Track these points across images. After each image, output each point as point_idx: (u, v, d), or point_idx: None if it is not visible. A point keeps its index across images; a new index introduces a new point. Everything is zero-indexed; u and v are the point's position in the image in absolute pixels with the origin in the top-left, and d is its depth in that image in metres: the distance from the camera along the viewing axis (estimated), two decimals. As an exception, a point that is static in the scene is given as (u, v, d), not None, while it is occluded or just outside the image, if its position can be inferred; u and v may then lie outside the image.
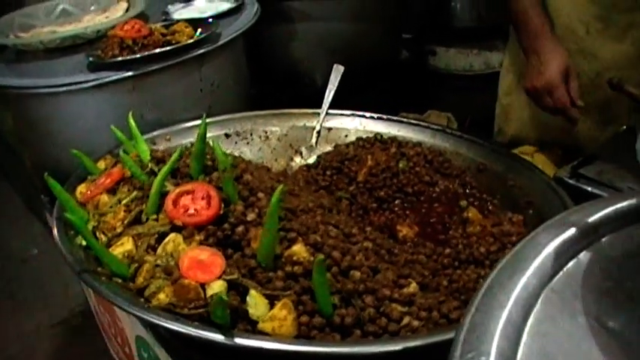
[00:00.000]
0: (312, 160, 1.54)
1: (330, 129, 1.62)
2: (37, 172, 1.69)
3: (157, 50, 1.56)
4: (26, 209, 2.95)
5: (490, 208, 1.34)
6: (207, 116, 1.56)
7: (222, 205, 1.06)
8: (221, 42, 1.64)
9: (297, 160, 1.59)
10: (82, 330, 2.51)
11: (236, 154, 1.53)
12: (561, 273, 0.71)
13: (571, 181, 1.27)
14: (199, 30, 1.70)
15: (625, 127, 1.44)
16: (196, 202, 1.06)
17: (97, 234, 1.11)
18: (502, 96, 1.95)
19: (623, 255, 0.74)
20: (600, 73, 1.64)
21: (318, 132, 1.61)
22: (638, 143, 0.81)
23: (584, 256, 0.73)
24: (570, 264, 0.72)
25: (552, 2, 1.65)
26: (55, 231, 1.13)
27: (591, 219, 0.76)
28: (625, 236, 0.77)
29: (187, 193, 1.08)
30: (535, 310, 0.66)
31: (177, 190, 1.08)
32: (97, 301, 1.70)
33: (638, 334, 0.63)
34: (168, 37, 1.65)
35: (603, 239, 0.76)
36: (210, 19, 1.76)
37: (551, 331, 0.63)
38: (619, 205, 0.79)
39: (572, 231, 0.74)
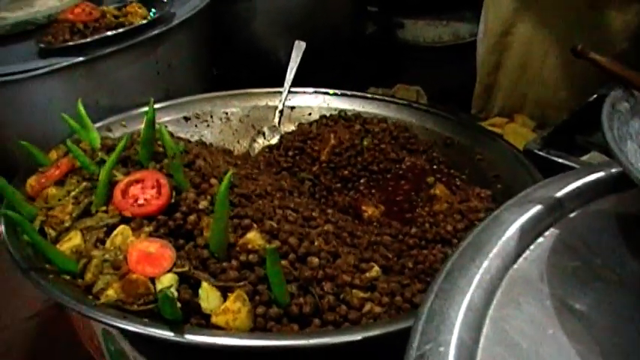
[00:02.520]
0: (275, 140, 1.49)
1: (293, 108, 1.57)
2: (-7, 164, 1.63)
3: (109, 33, 1.51)
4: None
5: (458, 183, 1.30)
6: (166, 99, 1.53)
7: (174, 194, 1.01)
8: (176, 22, 1.59)
9: (260, 142, 1.53)
10: (57, 322, 2.47)
11: (196, 137, 1.49)
12: (526, 253, 0.68)
13: (541, 153, 1.23)
14: (153, 10, 1.64)
15: (596, 95, 1.39)
16: (146, 191, 1.00)
17: (46, 229, 1.05)
18: (483, 77, 1.83)
19: (590, 230, 0.72)
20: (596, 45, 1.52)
21: (281, 111, 1.56)
22: (603, 115, 0.78)
23: (550, 234, 0.71)
24: (535, 243, 0.70)
25: None
26: (3, 227, 1.07)
27: (557, 194, 0.74)
28: (592, 211, 0.75)
29: (137, 182, 1.02)
30: (498, 293, 0.63)
31: (127, 179, 1.03)
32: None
33: (604, 315, 0.61)
34: (120, 19, 1.60)
35: (570, 215, 0.74)
36: (165, -1, 1.70)
37: (514, 315, 0.61)
38: (586, 179, 0.76)
39: (537, 208, 0.71)
